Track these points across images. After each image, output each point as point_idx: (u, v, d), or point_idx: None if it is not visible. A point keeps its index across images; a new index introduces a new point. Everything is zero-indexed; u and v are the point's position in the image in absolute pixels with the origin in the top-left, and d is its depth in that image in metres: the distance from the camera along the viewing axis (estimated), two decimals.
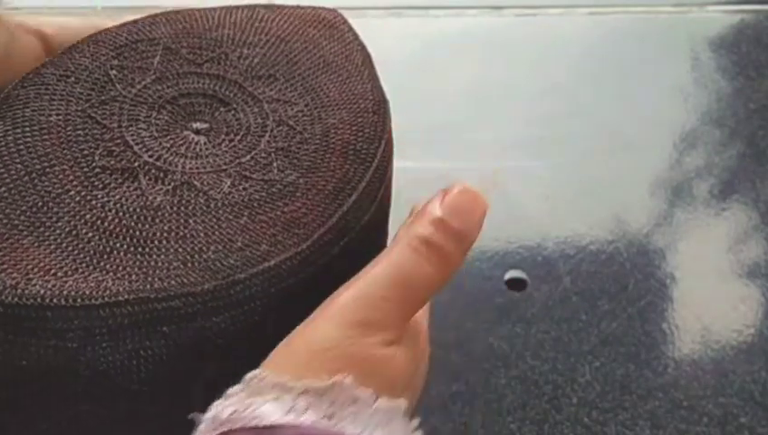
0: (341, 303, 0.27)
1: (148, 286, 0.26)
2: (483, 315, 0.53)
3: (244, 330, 0.27)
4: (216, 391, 0.27)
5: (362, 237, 0.31)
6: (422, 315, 0.31)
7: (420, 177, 0.62)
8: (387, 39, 0.74)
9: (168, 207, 0.28)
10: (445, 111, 0.67)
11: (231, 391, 0.25)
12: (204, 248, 0.27)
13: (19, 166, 0.29)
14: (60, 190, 0.28)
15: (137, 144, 0.30)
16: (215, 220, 0.28)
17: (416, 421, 0.29)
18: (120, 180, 0.29)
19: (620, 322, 0.53)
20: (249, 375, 0.25)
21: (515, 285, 0.55)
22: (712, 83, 0.71)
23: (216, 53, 0.34)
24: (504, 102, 0.69)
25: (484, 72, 0.71)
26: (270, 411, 0.24)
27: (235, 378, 0.26)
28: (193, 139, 0.31)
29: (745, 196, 0.61)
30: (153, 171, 0.29)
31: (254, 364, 0.26)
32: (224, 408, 0.25)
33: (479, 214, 0.29)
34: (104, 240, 0.27)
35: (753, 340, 0.52)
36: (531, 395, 0.49)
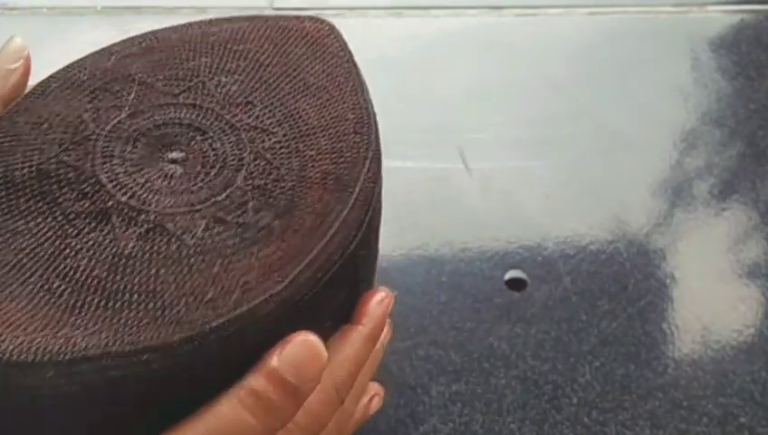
0: None
1: (118, 342, 0.25)
2: (483, 315, 0.53)
3: (218, 377, 0.27)
4: None
5: (350, 264, 0.30)
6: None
7: (420, 177, 0.62)
8: (387, 39, 0.74)
9: (139, 256, 0.28)
10: (444, 111, 0.67)
11: None
12: (175, 302, 0.27)
13: None
14: (34, 244, 0.28)
15: (110, 182, 0.30)
16: (186, 271, 0.28)
17: None
18: (93, 224, 0.29)
19: (620, 322, 0.53)
20: None
21: (515, 285, 0.55)
22: (712, 83, 0.71)
23: (193, 83, 0.34)
24: (504, 102, 0.69)
25: (484, 72, 0.71)
26: None
27: None
28: (169, 171, 0.31)
29: (745, 196, 0.61)
30: (126, 211, 0.29)
31: None
32: None
33: (316, 368, 0.28)
34: (75, 293, 0.27)
35: (753, 340, 0.52)
36: (531, 395, 0.49)
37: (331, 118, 0.33)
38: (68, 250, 0.28)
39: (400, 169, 0.61)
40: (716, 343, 0.52)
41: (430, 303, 0.54)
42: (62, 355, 0.25)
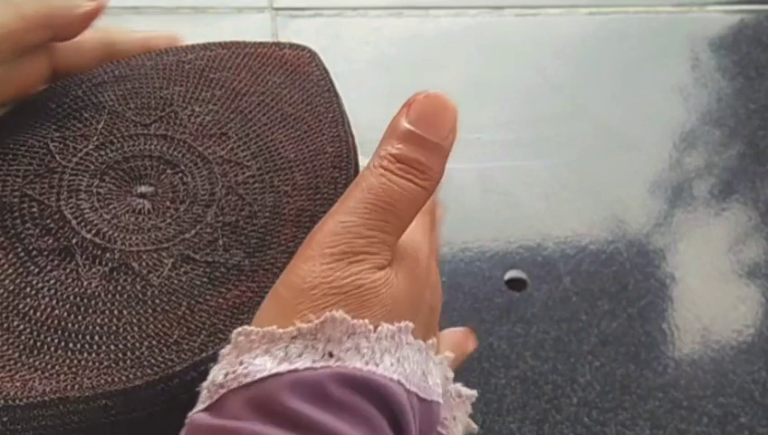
0: (320, 240, 0.25)
1: (77, 386, 0.25)
2: (483, 315, 0.53)
3: (182, 421, 0.26)
4: None
5: None
6: (420, 232, 0.29)
7: None
8: (387, 39, 0.74)
9: (102, 295, 0.27)
10: None
11: (222, 352, 0.24)
12: (137, 344, 0.26)
13: None
14: None
15: (75, 218, 0.29)
16: (150, 311, 0.27)
17: (433, 340, 0.27)
18: (56, 262, 0.28)
19: (620, 322, 0.53)
20: (235, 333, 0.24)
21: (515, 285, 0.55)
22: (712, 83, 0.71)
23: (165, 112, 0.32)
24: (504, 102, 0.69)
25: (484, 72, 0.71)
26: (262, 365, 0.23)
27: None
28: (137, 206, 0.30)
29: (745, 196, 0.61)
30: (90, 249, 0.28)
31: None
32: (218, 371, 0.23)
33: (450, 118, 0.28)
34: (35, 333, 0.26)
35: (753, 340, 0.52)
36: (531, 395, 0.49)
37: (309, 151, 0.32)
38: (29, 289, 0.27)
39: None
40: (716, 343, 0.52)
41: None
42: (17, 400, 0.24)
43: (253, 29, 0.73)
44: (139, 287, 0.27)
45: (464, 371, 0.51)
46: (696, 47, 0.75)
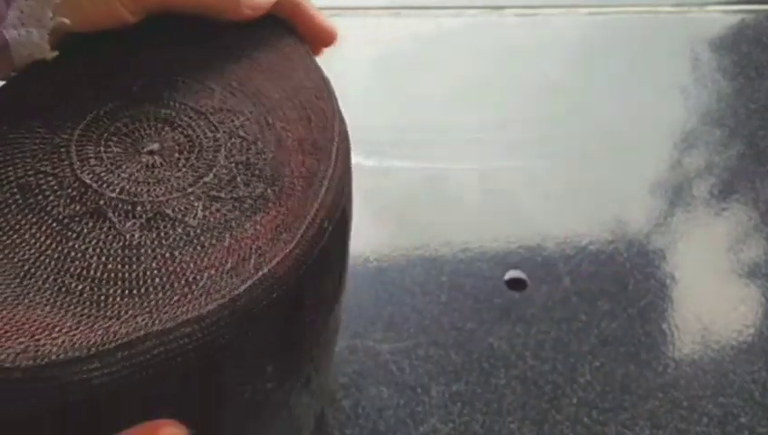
0: None
1: (156, 322, 0.25)
2: (483, 315, 0.53)
3: (253, 340, 0.27)
4: (234, 404, 0.26)
5: (343, 217, 0.32)
6: None
7: (420, 177, 0.62)
8: (387, 39, 0.74)
9: (148, 243, 0.28)
10: (444, 110, 0.67)
11: None
12: (198, 277, 0.27)
13: None
14: (37, 254, 0.28)
15: (95, 182, 0.30)
16: (199, 248, 0.28)
17: None
18: (90, 224, 0.29)
19: (620, 322, 0.53)
20: None
21: (515, 285, 0.55)
22: (712, 83, 0.71)
23: (149, 77, 0.34)
24: (504, 102, 0.69)
25: (484, 71, 0.71)
26: None
27: (254, 385, 0.25)
28: (149, 162, 0.31)
29: (745, 196, 0.61)
30: (120, 206, 0.29)
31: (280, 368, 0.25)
32: None
33: None
34: (96, 289, 0.27)
35: (753, 340, 0.52)
36: (531, 395, 0.49)
37: (291, 88, 0.34)
38: (73, 253, 0.28)
39: (400, 168, 0.61)
40: (716, 343, 0.52)
41: (430, 303, 0.54)
42: (105, 345, 0.25)
43: None
44: (180, 230, 0.29)
45: (464, 371, 0.51)
46: (696, 47, 0.75)
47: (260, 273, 0.27)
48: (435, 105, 0.68)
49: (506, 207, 0.60)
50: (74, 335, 0.25)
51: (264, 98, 0.34)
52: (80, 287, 0.27)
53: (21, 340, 0.25)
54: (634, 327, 0.53)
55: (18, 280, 0.27)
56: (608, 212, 0.60)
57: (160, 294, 0.26)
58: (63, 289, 0.27)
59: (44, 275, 0.27)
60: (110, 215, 0.29)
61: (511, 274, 0.55)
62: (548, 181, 0.62)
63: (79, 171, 0.30)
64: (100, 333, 0.25)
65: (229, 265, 0.27)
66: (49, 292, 0.27)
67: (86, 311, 0.26)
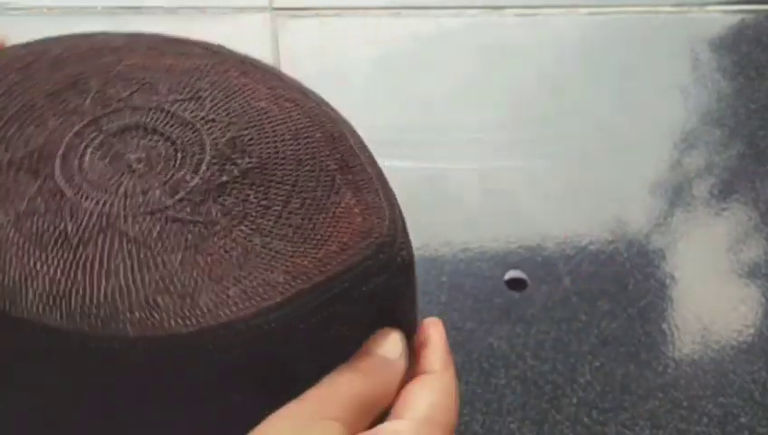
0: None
1: (321, 270, 0.26)
2: (483, 315, 0.53)
3: (394, 291, 0.28)
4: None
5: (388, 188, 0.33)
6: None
7: (420, 177, 0.62)
8: (387, 39, 0.74)
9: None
10: (444, 110, 0.67)
11: None
12: (318, 246, 0.29)
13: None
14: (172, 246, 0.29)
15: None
16: (258, 241, 0.29)
17: None
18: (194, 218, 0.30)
19: (620, 322, 0.53)
20: None
21: (515, 285, 0.55)
22: (712, 83, 0.71)
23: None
24: (504, 102, 0.69)
25: (484, 71, 0.71)
26: None
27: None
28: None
29: (745, 196, 0.61)
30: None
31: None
32: None
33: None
34: (234, 259, 0.28)
35: (753, 340, 0.52)
36: (531, 395, 0.49)
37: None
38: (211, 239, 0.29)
39: (400, 169, 0.62)
40: (716, 343, 0.52)
41: (430, 303, 0.54)
42: (290, 286, 0.26)
43: (253, 29, 0.73)
44: (271, 221, 0.29)
45: (464, 371, 0.51)
46: (696, 47, 0.75)
47: (343, 258, 0.29)
48: (435, 105, 0.68)
49: (506, 207, 0.60)
50: (252, 282, 0.26)
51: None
52: (233, 253, 0.28)
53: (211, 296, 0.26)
54: (634, 327, 0.53)
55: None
56: (608, 212, 0.60)
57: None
58: (223, 259, 0.28)
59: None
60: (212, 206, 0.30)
61: (511, 274, 0.55)
62: (548, 181, 0.62)
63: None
64: (275, 277, 0.26)
65: (334, 247, 0.29)
66: (219, 256, 0.28)
67: (245, 269, 0.27)
